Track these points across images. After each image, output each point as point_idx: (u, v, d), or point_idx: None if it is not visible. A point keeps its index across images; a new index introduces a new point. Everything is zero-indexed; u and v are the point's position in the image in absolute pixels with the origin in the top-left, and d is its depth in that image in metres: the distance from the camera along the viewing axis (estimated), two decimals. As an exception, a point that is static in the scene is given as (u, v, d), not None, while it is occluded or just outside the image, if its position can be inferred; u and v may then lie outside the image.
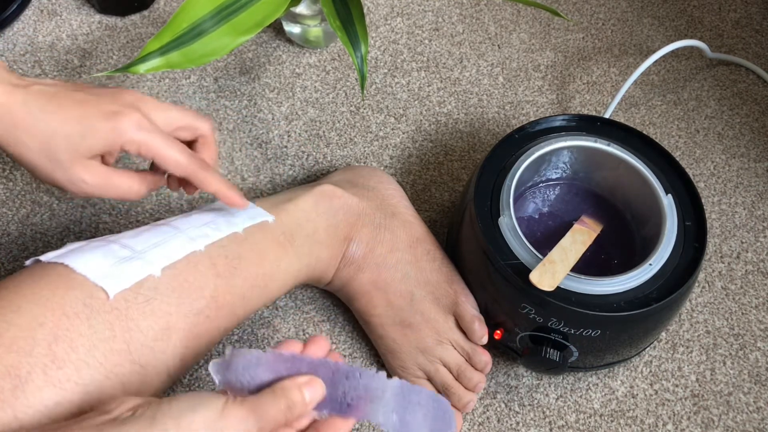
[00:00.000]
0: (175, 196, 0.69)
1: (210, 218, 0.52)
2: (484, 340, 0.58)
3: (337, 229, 0.57)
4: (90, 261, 0.45)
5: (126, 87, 0.75)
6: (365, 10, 0.78)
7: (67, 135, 0.44)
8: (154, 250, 0.47)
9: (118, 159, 0.70)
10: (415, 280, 0.58)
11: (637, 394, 0.61)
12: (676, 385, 0.62)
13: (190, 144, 0.51)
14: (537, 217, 0.62)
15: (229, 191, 0.49)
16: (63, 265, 0.45)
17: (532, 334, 0.55)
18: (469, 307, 0.58)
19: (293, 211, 0.56)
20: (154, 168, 0.50)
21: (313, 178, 0.71)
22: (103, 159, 0.48)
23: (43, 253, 0.47)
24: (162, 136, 0.46)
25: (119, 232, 0.51)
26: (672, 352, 0.63)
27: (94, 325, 0.43)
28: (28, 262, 0.47)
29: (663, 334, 0.64)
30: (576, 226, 0.57)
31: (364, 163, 0.73)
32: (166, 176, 0.51)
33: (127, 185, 0.47)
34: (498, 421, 0.60)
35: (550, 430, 0.59)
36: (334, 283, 0.60)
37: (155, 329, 0.45)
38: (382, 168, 0.72)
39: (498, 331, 0.58)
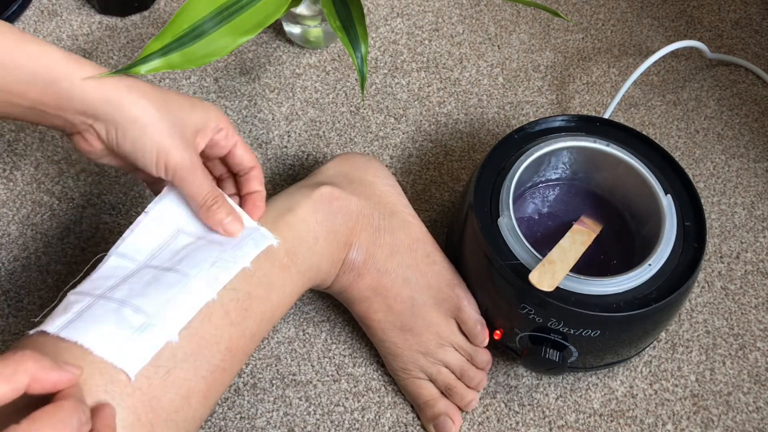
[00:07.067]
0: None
1: (215, 254, 0.49)
2: (486, 342, 0.58)
3: (336, 234, 0.56)
4: (105, 337, 0.42)
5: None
6: (365, 11, 0.78)
7: (189, 116, 0.49)
8: (168, 311, 0.45)
9: None
10: (416, 285, 0.58)
11: (636, 394, 0.61)
12: (676, 385, 0.62)
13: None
14: (537, 217, 0.62)
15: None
16: (77, 345, 0.41)
17: (532, 334, 0.55)
18: (473, 312, 0.58)
19: (294, 223, 0.54)
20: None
21: (313, 179, 0.71)
22: None
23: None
24: None
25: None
26: (671, 352, 0.63)
27: (118, 413, 0.41)
28: (32, 332, 0.43)
29: (663, 334, 0.64)
30: (575, 227, 0.58)
31: (364, 163, 0.73)
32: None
33: (207, 179, 0.51)
34: (498, 420, 0.60)
35: (550, 429, 0.59)
36: (333, 288, 0.59)
37: (176, 401, 0.43)
38: (382, 168, 0.72)
39: (498, 331, 0.58)
